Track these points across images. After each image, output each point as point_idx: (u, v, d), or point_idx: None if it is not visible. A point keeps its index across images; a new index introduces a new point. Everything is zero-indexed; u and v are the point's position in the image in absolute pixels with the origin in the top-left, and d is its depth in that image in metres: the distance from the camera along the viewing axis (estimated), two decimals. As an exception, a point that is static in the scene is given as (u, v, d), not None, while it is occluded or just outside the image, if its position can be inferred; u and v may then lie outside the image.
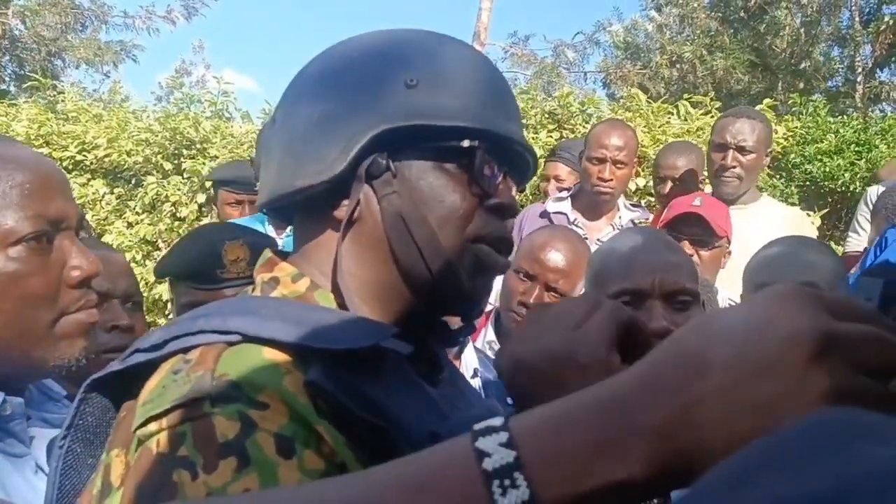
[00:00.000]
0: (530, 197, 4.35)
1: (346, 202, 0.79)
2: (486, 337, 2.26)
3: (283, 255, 0.86)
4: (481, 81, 0.83)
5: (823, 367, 0.43)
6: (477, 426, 0.49)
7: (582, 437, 0.46)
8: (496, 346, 2.22)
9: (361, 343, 0.69)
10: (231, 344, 0.70)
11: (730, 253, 2.57)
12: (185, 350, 0.70)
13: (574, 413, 0.48)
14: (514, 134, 0.83)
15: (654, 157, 4.34)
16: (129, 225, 5.80)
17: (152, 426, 0.65)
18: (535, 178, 3.90)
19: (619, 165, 3.04)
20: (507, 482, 0.45)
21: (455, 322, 0.94)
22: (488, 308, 2.51)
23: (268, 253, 0.86)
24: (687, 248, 2.36)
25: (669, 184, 3.14)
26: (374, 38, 0.85)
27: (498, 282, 2.66)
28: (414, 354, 0.77)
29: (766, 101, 4.54)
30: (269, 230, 3.03)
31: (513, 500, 0.44)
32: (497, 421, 0.49)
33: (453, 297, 0.83)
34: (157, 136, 5.86)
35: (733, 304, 2.41)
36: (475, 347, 2.00)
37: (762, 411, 0.43)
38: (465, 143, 0.79)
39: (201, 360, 0.68)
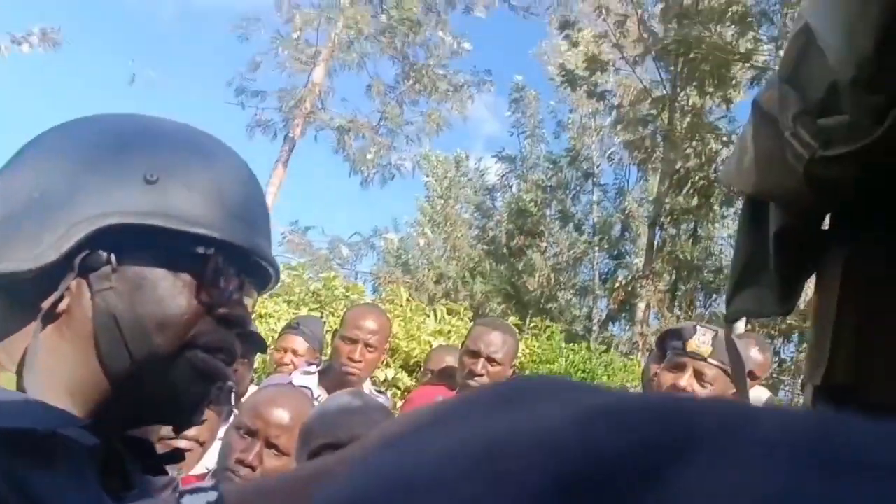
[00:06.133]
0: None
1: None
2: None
3: None
4: (232, 190, 0.78)
5: None
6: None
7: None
8: None
9: (36, 425, 0.62)
10: None
11: None
12: None
13: (277, 484, 0.49)
14: (258, 248, 0.80)
15: (406, 349, 4.50)
16: None
17: None
18: (269, 350, 3.84)
19: (370, 348, 3.08)
20: None
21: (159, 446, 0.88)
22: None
23: None
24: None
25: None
26: (122, 121, 0.79)
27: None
28: (104, 466, 0.69)
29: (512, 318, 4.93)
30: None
31: None
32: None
33: (164, 404, 0.77)
34: None
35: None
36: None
37: None
38: (200, 250, 0.75)
39: None
